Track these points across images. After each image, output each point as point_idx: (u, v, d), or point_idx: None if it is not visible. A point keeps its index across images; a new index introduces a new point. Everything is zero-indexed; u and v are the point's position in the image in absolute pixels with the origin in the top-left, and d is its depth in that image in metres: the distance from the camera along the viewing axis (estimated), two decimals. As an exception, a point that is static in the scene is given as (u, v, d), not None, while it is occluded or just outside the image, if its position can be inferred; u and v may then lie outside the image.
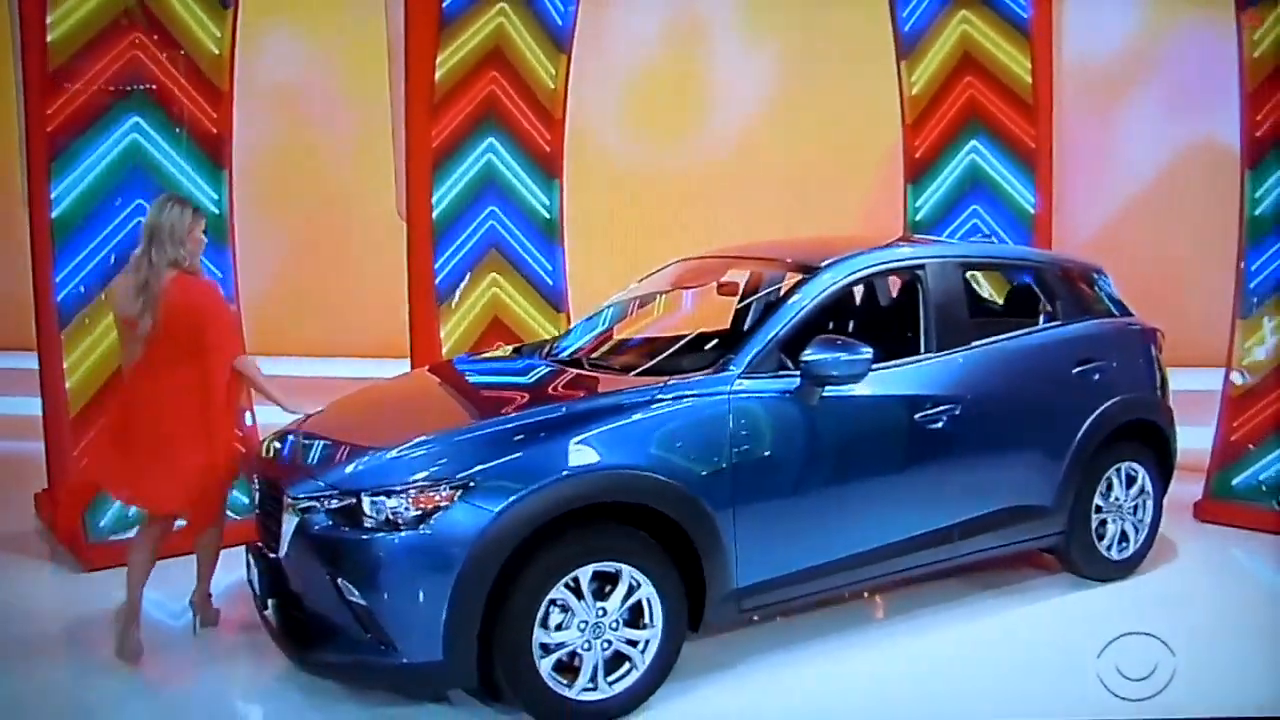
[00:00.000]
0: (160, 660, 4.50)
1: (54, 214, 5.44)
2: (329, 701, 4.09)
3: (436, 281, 6.80)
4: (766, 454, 4.18)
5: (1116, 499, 5.28)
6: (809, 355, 4.21)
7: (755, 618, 4.43)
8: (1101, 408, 5.12)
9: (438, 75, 6.64)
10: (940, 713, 4.14)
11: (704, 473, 4.03)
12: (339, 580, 3.74)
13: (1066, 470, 5.03)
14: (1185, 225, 9.42)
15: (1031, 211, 7.23)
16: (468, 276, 6.87)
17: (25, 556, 5.74)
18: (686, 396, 4.11)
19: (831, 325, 5.48)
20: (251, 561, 4.25)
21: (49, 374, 5.65)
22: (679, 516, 3.98)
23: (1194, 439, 6.40)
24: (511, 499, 3.70)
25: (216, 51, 5.83)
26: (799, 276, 4.64)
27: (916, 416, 4.54)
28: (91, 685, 4.34)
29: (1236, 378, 6.22)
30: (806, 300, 4.48)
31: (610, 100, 10.35)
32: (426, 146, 6.69)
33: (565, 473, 3.81)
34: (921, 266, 4.87)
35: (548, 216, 7.08)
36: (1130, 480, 5.34)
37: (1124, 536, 5.32)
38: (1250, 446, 6.20)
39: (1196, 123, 8.35)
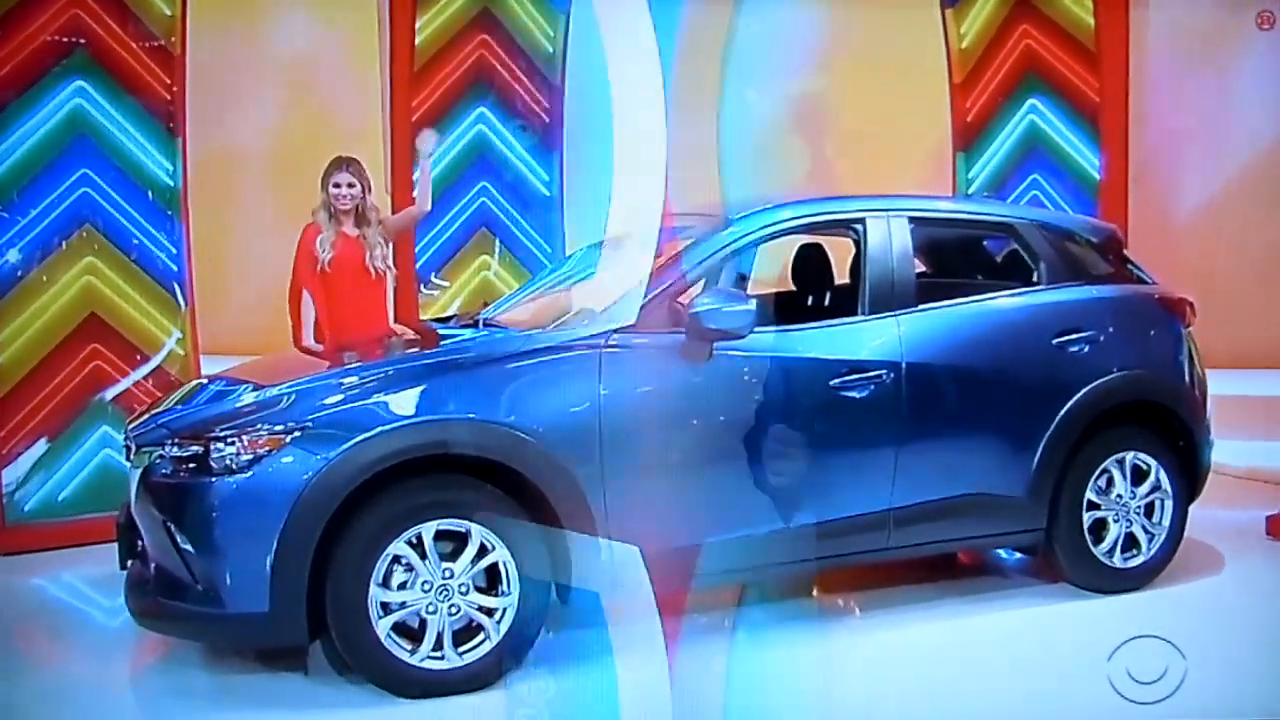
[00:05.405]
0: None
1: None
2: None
3: (418, 266, 7.53)
4: (642, 413, 4.54)
5: (1119, 495, 5.35)
6: (693, 306, 4.59)
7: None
8: (1091, 385, 5.23)
9: (418, 40, 7.38)
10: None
11: (567, 429, 4.43)
12: (170, 526, 4.31)
13: (1042, 456, 5.15)
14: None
15: (1097, 178, 7.38)
16: (455, 258, 7.58)
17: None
18: (553, 350, 4.56)
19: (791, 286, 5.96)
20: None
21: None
22: (533, 474, 4.37)
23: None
24: (345, 445, 4.19)
25: (169, 12, 6.60)
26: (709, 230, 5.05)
27: (832, 383, 4.82)
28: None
29: None
30: (704, 254, 4.88)
31: (621, 63, 10.84)
32: (407, 117, 7.43)
33: (405, 420, 4.28)
34: (859, 221, 5.18)
35: (546, 193, 7.69)
36: (1139, 475, 5.39)
37: (1132, 542, 5.37)
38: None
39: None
